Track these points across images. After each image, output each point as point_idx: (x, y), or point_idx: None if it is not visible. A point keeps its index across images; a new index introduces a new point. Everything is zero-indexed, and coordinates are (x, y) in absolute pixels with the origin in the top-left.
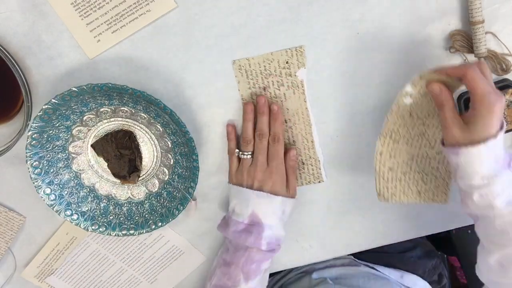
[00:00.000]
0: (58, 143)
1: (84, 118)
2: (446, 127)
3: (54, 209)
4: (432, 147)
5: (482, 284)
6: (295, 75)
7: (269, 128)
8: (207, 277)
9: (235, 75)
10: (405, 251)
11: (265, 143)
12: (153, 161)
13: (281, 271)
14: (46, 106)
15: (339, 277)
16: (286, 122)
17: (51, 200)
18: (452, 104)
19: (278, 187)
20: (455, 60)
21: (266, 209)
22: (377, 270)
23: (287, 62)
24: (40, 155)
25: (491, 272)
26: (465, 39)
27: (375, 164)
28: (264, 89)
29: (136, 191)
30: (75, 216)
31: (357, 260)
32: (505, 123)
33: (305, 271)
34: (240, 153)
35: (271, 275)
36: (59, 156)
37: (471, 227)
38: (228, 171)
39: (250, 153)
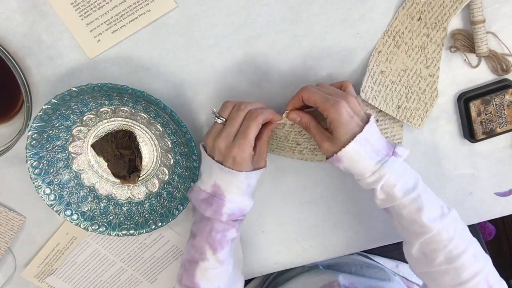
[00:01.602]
0: (58, 143)
1: (84, 118)
2: (318, 145)
3: (54, 209)
4: (427, 67)
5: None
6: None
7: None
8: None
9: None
10: (401, 241)
11: (241, 116)
12: (153, 161)
13: None
14: (46, 106)
15: (331, 265)
16: None
17: (51, 200)
18: (315, 123)
19: (241, 163)
20: (456, 60)
21: (228, 182)
22: (372, 260)
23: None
24: (40, 155)
25: (418, 264)
26: (466, 38)
27: (370, 61)
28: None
29: (136, 191)
30: (75, 216)
31: None
32: (372, 118)
33: None
34: (216, 116)
35: None
36: (59, 156)
37: (471, 227)
38: None
39: (223, 119)
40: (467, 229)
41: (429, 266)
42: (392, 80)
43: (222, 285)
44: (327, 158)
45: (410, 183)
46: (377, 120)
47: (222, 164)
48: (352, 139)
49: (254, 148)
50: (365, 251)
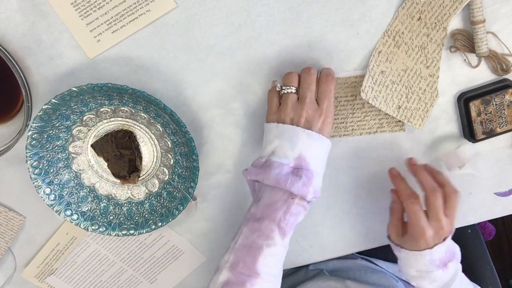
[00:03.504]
0: (58, 143)
1: (84, 118)
2: (388, 228)
3: (54, 209)
4: (427, 67)
5: (481, 280)
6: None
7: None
8: (231, 238)
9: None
10: None
11: (314, 77)
12: (153, 161)
13: None
14: (46, 106)
15: (335, 270)
16: None
17: (51, 200)
18: (400, 215)
19: (327, 130)
20: (456, 60)
21: (315, 152)
22: (375, 264)
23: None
24: (40, 155)
25: None
26: (466, 38)
27: (370, 61)
28: None
29: (136, 191)
30: (75, 216)
31: (354, 253)
32: (450, 237)
33: None
34: (283, 88)
35: None
36: (59, 156)
37: (471, 226)
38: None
39: (294, 88)
40: None
41: None
42: (393, 80)
43: (278, 270)
44: (388, 237)
45: (447, 279)
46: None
47: (312, 130)
48: (420, 250)
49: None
50: (367, 255)
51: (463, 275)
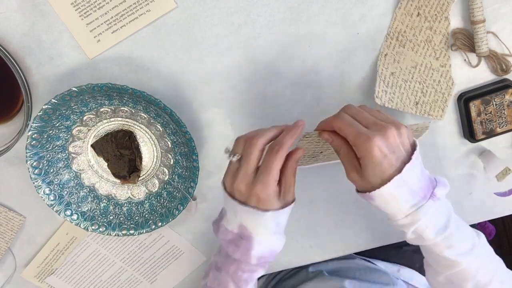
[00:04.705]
0: (58, 143)
1: (84, 118)
2: (346, 172)
3: (54, 209)
4: (437, 58)
5: None
6: None
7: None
8: (205, 272)
9: None
10: (402, 245)
11: (256, 151)
12: (153, 161)
13: None
14: (46, 106)
15: (335, 270)
16: None
17: (51, 200)
18: (346, 149)
19: (266, 200)
20: (456, 59)
21: (255, 223)
22: (374, 264)
23: None
24: (40, 155)
25: (441, 285)
26: (466, 37)
27: (378, 66)
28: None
29: (136, 191)
30: (75, 216)
31: (353, 253)
32: (415, 154)
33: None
34: (229, 153)
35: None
36: (59, 156)
37: (471, 227)
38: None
39: (239, 156)
40: (492, 251)
41: None
42: (404, 79)
43: None
44: (357, 190)
45: (442, 222)
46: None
47: (245, 205)
48: (389, 180)
49: (279, 182)
50: (367, 256)
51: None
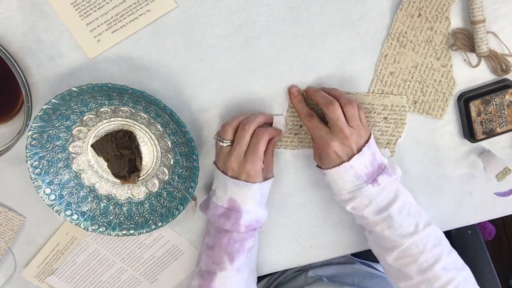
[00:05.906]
0: (58, 143)
1: (84, 118)
2: (313, 156)
3: (54, 209)
4: (438, 58)
5: (481, 281)
6: None
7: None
8: (196, 264)
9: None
10: None
11: (248, 135)
12: (153, 161)
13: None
14: (46, 106)
15: (334, 276)
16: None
17: (51, 200)
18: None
19: (255, 175)
20: (456, 59)
21: (243, 195)
22: (374, 268)
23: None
24: (40, 155)
25: (397, 279)
26: (466, 37)
27: (377, 65)
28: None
29: (136, 191)
30: (75, 216)
31: (354, 258)
32: (366, 147)
33: (301, 269)
34: (219, 139)
35: (267, 274)
36: (59, 156)
37: (471, 227)
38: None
39: (229, 141)
40: (444, 242)
41: (406, 280)
42: (404, 78)
43: None
44: (317, 166)
45: (383, 204)
46: (385, 118)
47: (237, 179)
48: (338, 165)
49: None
50: (367, 259)
51: (411, 202)
